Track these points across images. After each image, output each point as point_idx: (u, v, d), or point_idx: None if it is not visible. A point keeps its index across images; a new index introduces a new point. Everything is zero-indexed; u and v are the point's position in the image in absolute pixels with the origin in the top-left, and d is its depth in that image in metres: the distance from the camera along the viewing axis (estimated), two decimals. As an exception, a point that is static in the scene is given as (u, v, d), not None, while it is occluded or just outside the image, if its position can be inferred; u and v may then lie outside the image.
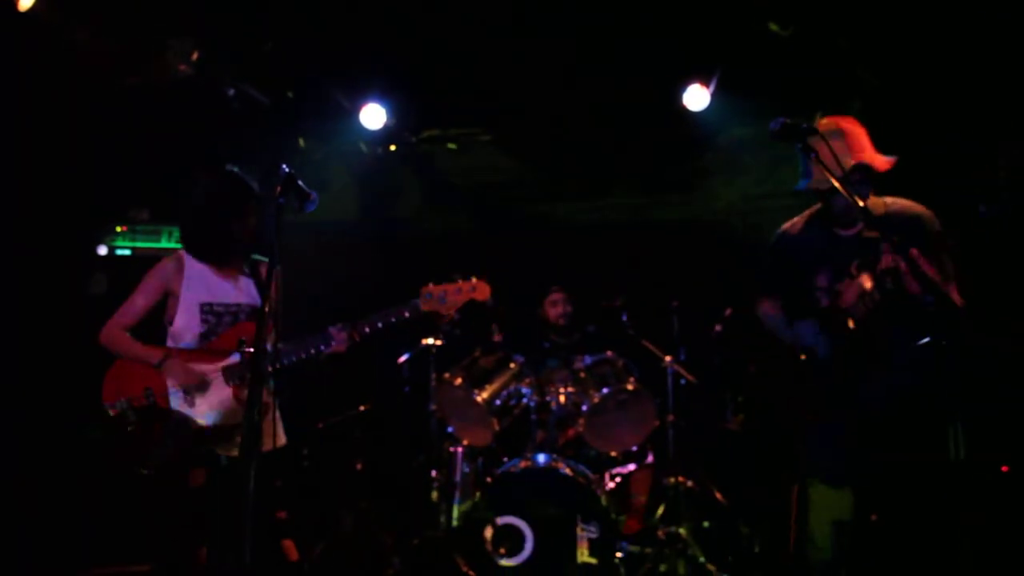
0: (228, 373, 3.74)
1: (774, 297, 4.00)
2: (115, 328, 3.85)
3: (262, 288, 3.84)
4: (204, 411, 3.73)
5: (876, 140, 3.62)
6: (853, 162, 3.42)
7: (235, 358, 3.76)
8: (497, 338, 5.94)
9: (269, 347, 3.76)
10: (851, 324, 3.50)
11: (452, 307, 3.75)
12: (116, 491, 5.16)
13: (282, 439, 3.92)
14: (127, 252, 5.66)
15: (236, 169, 3.88)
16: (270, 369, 3.71)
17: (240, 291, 3.90)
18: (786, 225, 3.93)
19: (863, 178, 3.50)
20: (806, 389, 3.73)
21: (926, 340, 2.98)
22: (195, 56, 5.44)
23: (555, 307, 6.21)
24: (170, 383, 3.73)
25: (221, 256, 3.88)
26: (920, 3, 5.06)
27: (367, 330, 3.74)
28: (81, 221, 5.70)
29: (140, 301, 3.87)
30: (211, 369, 3.74)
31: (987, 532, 4.20)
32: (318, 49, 5.78)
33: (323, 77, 6.12)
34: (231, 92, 5.95)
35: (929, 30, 5.16)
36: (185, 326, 3.81)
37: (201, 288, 3.82)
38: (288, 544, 3.85)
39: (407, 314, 3.73)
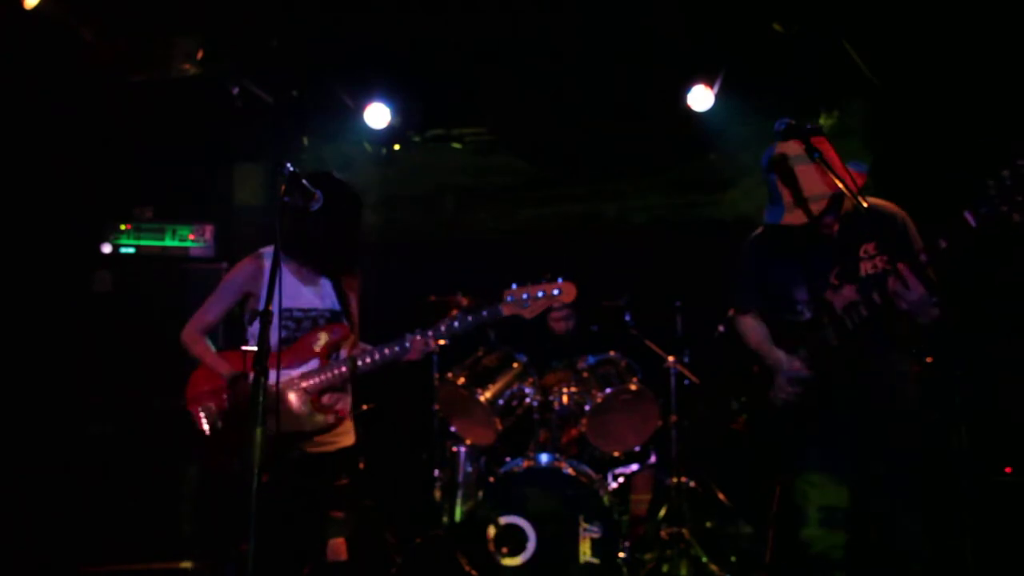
0: (305, 379, 3.68)
1: (754, 311, 3.81)
2: (195, 330, 3.78)
3: (340, 294, 3.81)
4: (283, 419, 3.56)
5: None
6: (832, 193, 3.28)
7: (313, 364, 3.68)
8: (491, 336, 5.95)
9: (343, 355, 3.75)
10: (835, 337, 3.40)
11: (535, 311, 3.65)
12: (116, 489, 5.19)
13: (351, 439, 3.87)
14: (131, 250, 5.65)
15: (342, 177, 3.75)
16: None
17: (320, 296, 3.80)
18: (758, 231, 3.78)
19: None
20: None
21: (916, 349, 2.94)
22: (199, 54, 5.44)
23: (560, 323, 6.19)
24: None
25: (333, 265, 3.79)
26: (924, 3, 5.05)
27: (443, 331, 3.65)
28: (85, 219, 5.70)
29: (220, 303, 3.79)
30: (286, 377, 3.63)
31: (989, 534, 4.21)
32: (323, 48, 5.78)
33: (328, 76, 6.12)
34: (235, 90, 5.96)
35: (933, 30, 5.16)
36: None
37: (282, 293, 3.77)
38: (336, 544, 3.77)
39: (486, 315, 3.64)
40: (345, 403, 3.82)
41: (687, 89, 6.13)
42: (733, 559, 5.42)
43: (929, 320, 3.16)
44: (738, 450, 6.59)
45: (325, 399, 3.72)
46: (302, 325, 3.73)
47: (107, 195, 5.88)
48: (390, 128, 6.49)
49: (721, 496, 6.22)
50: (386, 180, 7.03)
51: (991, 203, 2.86)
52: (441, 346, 5.36)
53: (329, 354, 3.72)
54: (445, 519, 5.36)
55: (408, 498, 5.95)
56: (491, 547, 4.91)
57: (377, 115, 6.33)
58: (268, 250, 3.78)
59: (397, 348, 3.66)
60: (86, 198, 5.80)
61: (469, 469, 5.52)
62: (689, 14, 5.47)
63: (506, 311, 3.64)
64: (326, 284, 3.82)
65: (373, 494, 5.58)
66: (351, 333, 3.80)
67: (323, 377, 3.67)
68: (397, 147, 6.88)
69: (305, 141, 6.79)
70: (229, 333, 3.99)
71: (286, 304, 3.66)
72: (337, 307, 3.79)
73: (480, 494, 5.17)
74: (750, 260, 3.75)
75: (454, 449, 5.52)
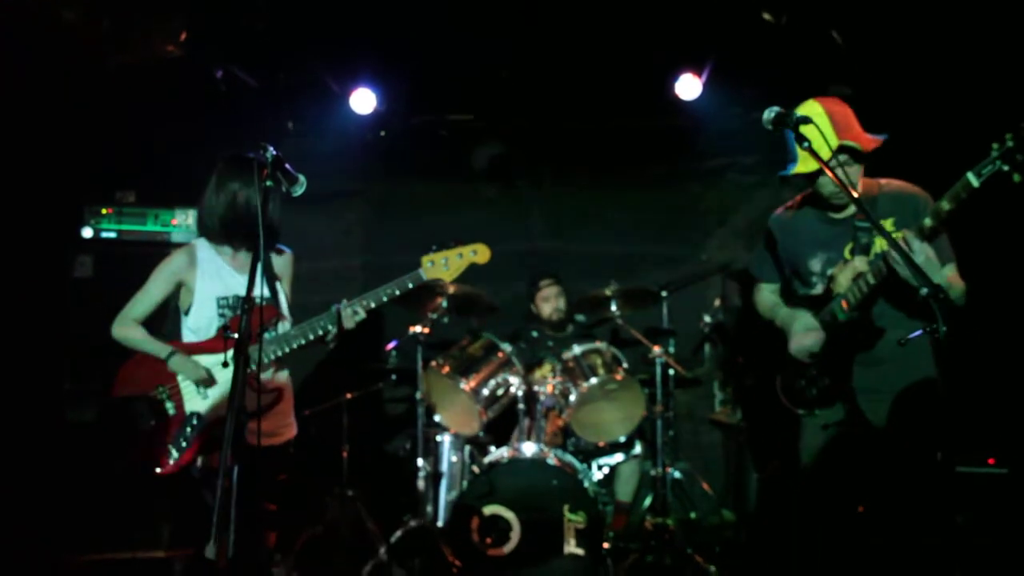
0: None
1: (771, 284, 4.01)
2: (127, 321, 3.79)
3: (272, 275, 3.82)
4: (218, 402, 3.68)
5: (868, 131, 3.58)
6: (839, 142, 3.38)
7: None
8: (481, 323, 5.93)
9: (273, 333, 3.76)
10: (844, 306, 3.49)
11: (455, 272, 3.77)
12: (96, 477, 5.13)
13: (293, 430, 3.89)
14: (113, 235, 5.60)
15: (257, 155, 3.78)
16: (279, 356, 3.69)
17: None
18: (779, 210, 3.91)
19: (849, 160, 3.47)
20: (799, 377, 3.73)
21: (918, 333, 2.95)
22: (183, 37, 5.38)
23: (548, 302, 6.15)
24: (180, 378, 3.70)
25: (247, 245, 3.82)
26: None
27: (372, 305, 3.71)
28: (66, 203, 5.64)
29: (152, 295, 3.79)
30: (220, 360, 3.68)
31: (976, 528, 4.22)
32: (309, 32, 5.71)
33: (313, 60, 6.06)
34: (220, 74, 5.89)
35: (921, 19, 5.15)
36: (204, 321, 3.77)
37: (216, 281, 3.79)
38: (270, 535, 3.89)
39: (411, 284, 3.73)
40: (281, 382, 3.85)
41: (675, 78, 6.11)
42: (717, 550, 5.42)
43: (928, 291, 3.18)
44: (723, 441, 6.63)
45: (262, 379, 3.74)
46: (237, 312, 3.76)
47: (89, 179, 5.82)
48: (376, 114, 6.44)
49: (705, 486, 6.23)
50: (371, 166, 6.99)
51: (993, 163, 2.94)
52: (426, 333, 5.40)
53: (260, 335, 3.71)
54: (429, 509, 5.34)
55: (391, 488, 5.92)
56: (475, 537, 4.90)
57: (363, 100, 6.28)
58: (200, 241, 3.83)
59: (329, 323, 3.68)
60: (67, 181, 5.73)
61: (453, 459, 5.49)
62: (678, 2, 5.43)
63: (428, 275, 3.75)
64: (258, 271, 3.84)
65: (356, 483, 5.55)
66: (278, 314, 3.81)
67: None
68: (383, 133, 6.82)
69: (290, 126, 6.74)
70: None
71: (221, 292, 3.76)
72: (267, 292, 3.79)
73: (464, 484, 5.14)
74: (769, 235, 3.93)
75: (438, 439, 5.49)
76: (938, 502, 3.34)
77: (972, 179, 3.00)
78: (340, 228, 7.01)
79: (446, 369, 5.45)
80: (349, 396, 5.62)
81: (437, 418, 5.54)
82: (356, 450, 5.64)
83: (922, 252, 3.17)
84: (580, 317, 6.31)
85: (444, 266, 3.76)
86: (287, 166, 3.15)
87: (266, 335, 3.74)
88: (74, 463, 5.22)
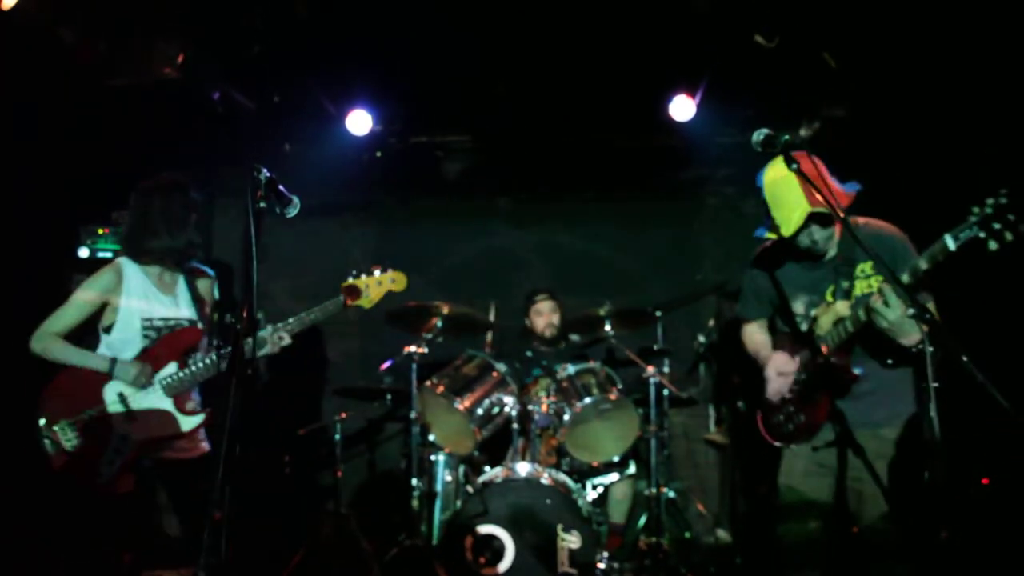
0: (168, 384, 3.81)
1: (756, 320, 4.03)
2: (48, 336, 3.82)
3: (198, 297, 3.97)
4: (143, 424, 3.78)
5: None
6: (809, 209, 3.40)
7: (171, 368, 3.82)
8: (487, 348, 5.94)
9: (199, 355, 3.90)
10: (824, 350, 3.51)
11: (374, 299, 3.99)
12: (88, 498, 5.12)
13: (206, 446, 3.97)
14: (108, 255, 5.61)
15: (182, 178, 3.97)
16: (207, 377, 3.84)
17: (178, 304, 3.96)
18: (759, 251, 3.92)
19: (818, 227, 3.53)
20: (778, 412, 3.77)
21: (890, 362, 2.98)
22: (180, 59, 5.41)
23: (541, 316, 6.17)
24: (108, 401, 3.76)
25: (169, 264, 3.95)
26: (903, 16, 5.08)
27: (296, 329, 3.87)
28: (63, 222, 5.66)
29: (75, 311, 3.85)
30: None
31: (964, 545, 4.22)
32: (305, 53, 5.75)
33: (309, 82, 6.10)
34: (216, 96, 5.92)
35: (913, 42, 5.18)
36: (126, 340, 3.85)
37: (141, 302, 3.86)
38: None
39: (332, 309, 3.92)
40: (199, 407, 3.98)
41: (669, 99, 6.15)
42: (712, 570, 5.41)
43: (909, 343, 3.23)
44: (717, 460, 6.63)
45: (188, 403, 3.88)
46: (162, 334, 3.88)
47: (85, 199, 5.84)
48: (372, 134, 6.47)
49: (700, 506, 6.23)
50: (368, 186, 7.01)
51: (970, 228, 2.91)
52: (421, 353, 5.41)
53: (185, 357, 3.86)
54: (423, 528, 5.33)
55: (386, 507, 5.91)
56: (469, 557, 4.89)
57: (359, 122, 6.31)
58: (125, 260, 3.93)
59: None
60: (64, 201, 5.76)
61: (448, 478, 5.49)
62: (672, 25, 5.47)
63: (348, 301, 3.95)
64: (182, 292, 3.98)
65: (351, 503, 5.55)
66: (203, 336, 3.94)
67: (182, 379, 3.81)
68: (379, 154, 6.85)
69: (287, 147, 6.77)
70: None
71: (147, 315, 3.86)
72: (194, 314, 3.93)
73: (458, 503, 5.14)
74: (752, 274, 3.96)
75: (432, 458, 5.49)
76: (924, 521, 3.36)
77: (949, 242, 2.99)
78: (337, 248, 7.02)
79: (441, 389, 5.45)
80: (343, 415, 5.62)
81: (432, 437, 5.54)
82: (350, 469, 5.64)
83: (898, 307, 3.17)
84: (575, 337, 6.31)
85: (364, 293, 3.97)
86: (281, 188, 3.17)
87: (195, 356, 3.88)
88: (67, 485, 5.21)
